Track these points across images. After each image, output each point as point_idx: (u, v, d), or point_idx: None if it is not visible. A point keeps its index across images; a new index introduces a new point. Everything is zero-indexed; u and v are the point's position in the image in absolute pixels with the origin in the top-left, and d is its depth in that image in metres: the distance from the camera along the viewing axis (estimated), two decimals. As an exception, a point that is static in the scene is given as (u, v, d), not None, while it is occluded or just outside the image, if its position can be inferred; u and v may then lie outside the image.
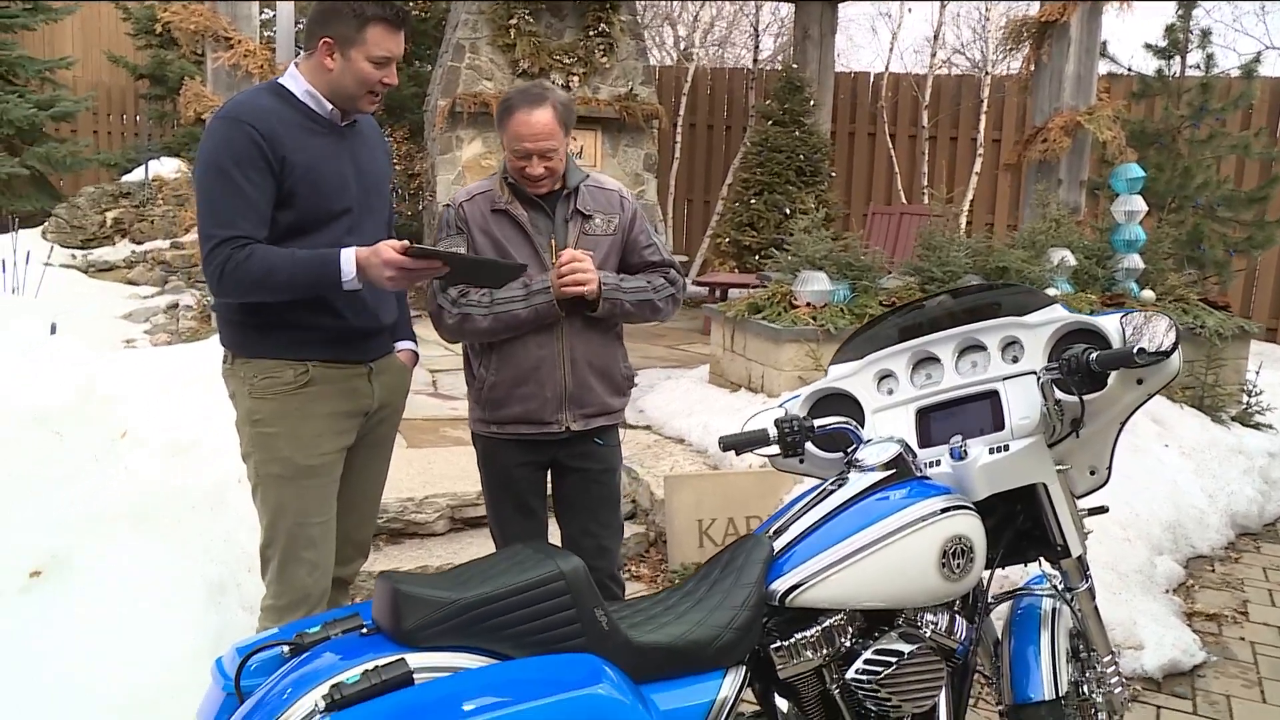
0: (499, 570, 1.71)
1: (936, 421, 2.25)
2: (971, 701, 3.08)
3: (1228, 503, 4.87)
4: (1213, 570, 4.45)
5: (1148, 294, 6.04)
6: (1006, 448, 2.09)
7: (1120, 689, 2.32)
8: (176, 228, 8.85)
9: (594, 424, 2.69)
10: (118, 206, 9.13)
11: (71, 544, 3.12)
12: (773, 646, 1.90)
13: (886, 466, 2.06)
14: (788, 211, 9.40)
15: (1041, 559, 2.29)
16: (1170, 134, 8.32)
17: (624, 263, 2.73)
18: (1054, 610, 2.29)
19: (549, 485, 2.82)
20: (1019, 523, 2.21)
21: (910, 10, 13.37)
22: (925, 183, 11.66)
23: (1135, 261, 6.11)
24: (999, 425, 2.16)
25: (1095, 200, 8.38)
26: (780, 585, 1.91)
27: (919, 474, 2.10)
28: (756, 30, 14.31)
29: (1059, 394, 2.07)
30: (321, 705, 1.47)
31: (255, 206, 2.28)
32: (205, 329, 6.75)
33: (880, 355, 2.37)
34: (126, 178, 9.69)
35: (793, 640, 1.90)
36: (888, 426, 2.28)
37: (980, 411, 2.20)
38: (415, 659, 1.55)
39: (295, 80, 2.40)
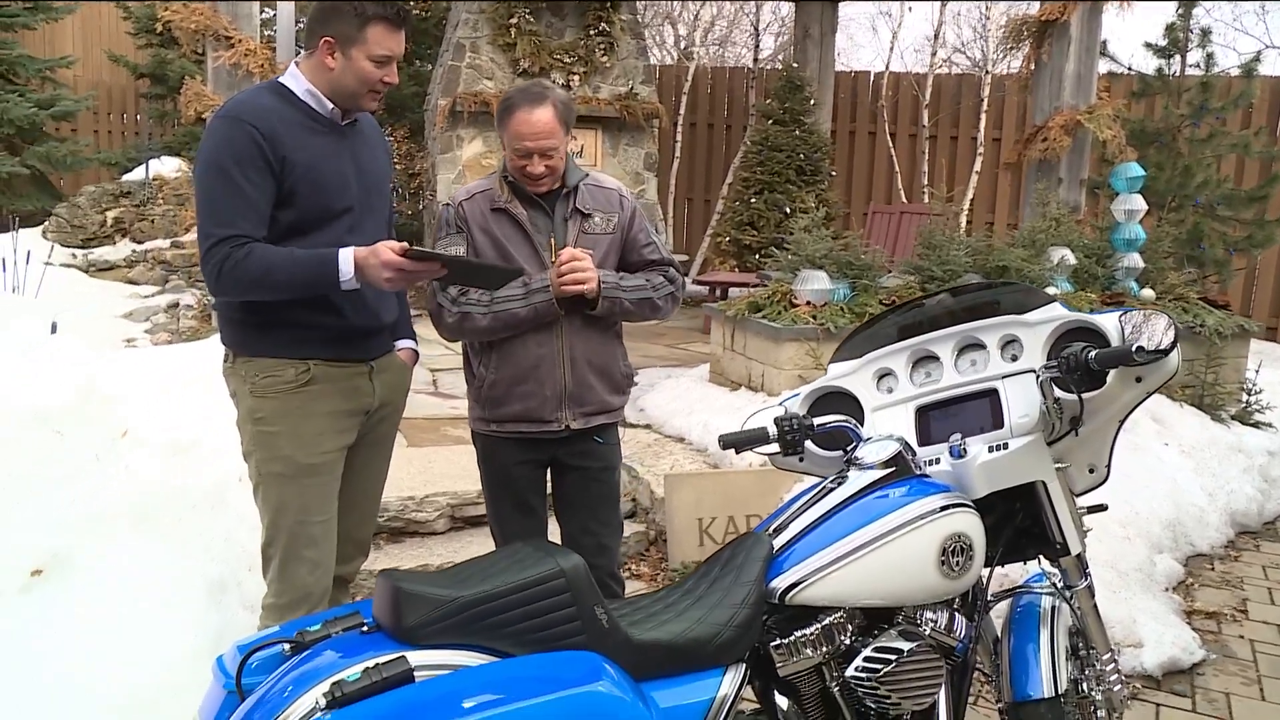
0: (499, 568, 1.71)
1: (936, 420, 2.26)
2: (971, 699, 3.08)
3: (1227, 501, 4.87)
4: (1212, 568, 4.45)
5: (1148, 293, 6.04)
6: (1006, 446, 2.10)
7: (1119, 687, 2.32)
8: (177, 227, 8.85)
9: (593, 422, 2.70)
10: (118, 206, 9.14)
11: (72, 543, 3.12)
12: (772, 644, 1.90)
13: (886, 465, 2.07)
14: (788, 210, 9.40)
15: (1041, 557, 2.29)
16: (1170, 133, 8.32)
17: (623, 261, 2.73)
18: (1053, 608, 2.29)
19: (549, 484, 2.83)
20: (1018, 521, 2.21)
21: (910, 9, 13.38)
22: (925, 182, 11.66)
23: (1135, 260, 6.11)
24: (998, 423, 2.17)
25: (1095, 199, 8.37)
26: (780, 583, 1.91)
27: (918, 472, 2.11)
28: (757, 29, 14.33)
29: (1058, 392, 2.07)
30: (322, 703, 1.47)
31: (255, 206, 2.28)
32: (206, 328, 6.76)
33: (880, 354, 2.38)
34: (127, 177, 9.69)
35: (792, 638, 1.90)
36: (887, 425, 2.29)
37: (979, 410, 2.21)
38: (416, 657, 1.55)
39: (296, 79, 2.40)
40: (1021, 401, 2.15)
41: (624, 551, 4.01)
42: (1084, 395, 2.05)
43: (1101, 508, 2.39)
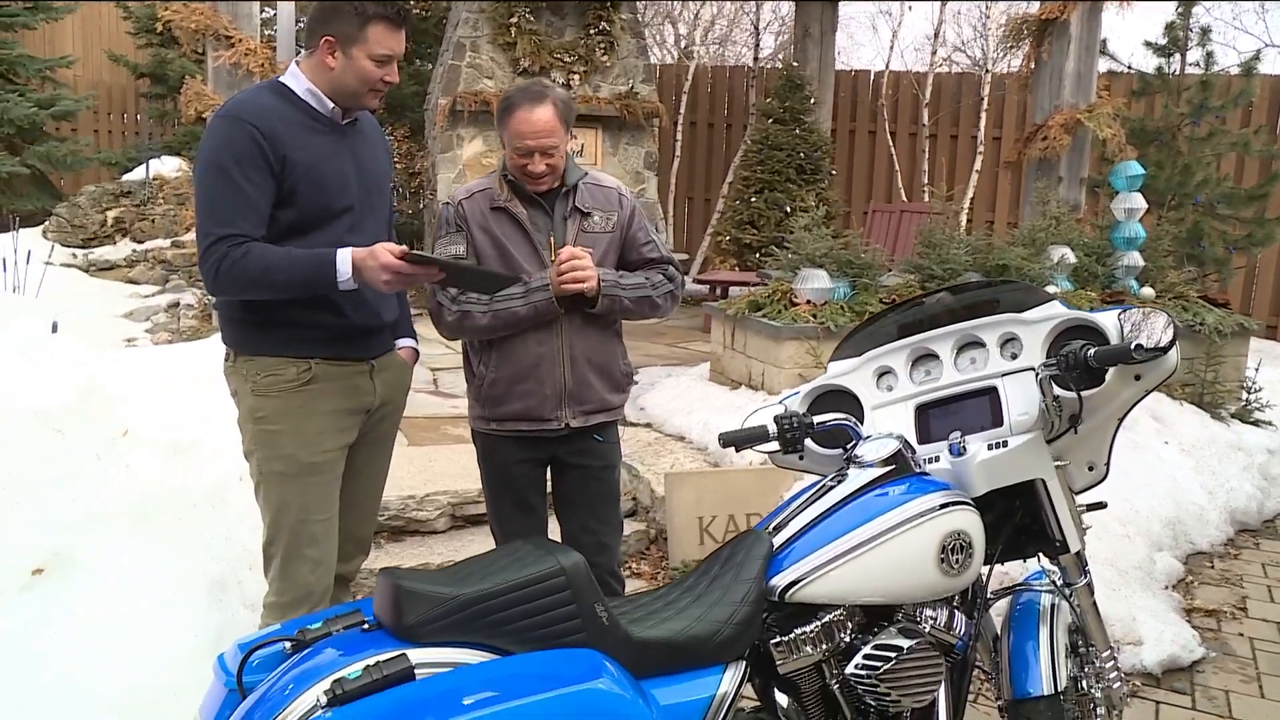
0: (499, 566, 1.72)
1: (935, 418, 2.26)
2: (971, 697, 3.09)
3: (1227, 499, 4.88)
4: (1212, 566, 4.46)
5: (1147, 291, 6.04)
6: (1005, 444, 2.10)
7: (1119, 684, 2.33)
8: (177, 226, 8.85)
9: (593, 421, 2.70)
10: (118, 205, 9.14)
11: (72, 543, 3.12)
12: (772, 642, 1.91)
13: (886, 462, 2.07)
14: (788, 209, 9.39)
15: (1040, 554, 2.30)
16: (1170, 131, 8.32)
17: (623, 260, 2.73)
18: (1053, 606, 2.29)
19: (549, 482, 2.83)
20: (1018, 518, 2.22)
21: (911, 8, 13.36)
22: (925, 180, 11.65)
23: (1135, 259, 6.11)
24: (998, 421, 2.17)
25: (1095, 198, 8.37)
26: (780, 581, 1.91)
27: (918, 470, 2.11)
28: (757, 28, 14.32)
29: (1057, 390, 2.07)
30: (323, 700, 1.48)
31: (254, 206, 2.29)
32: (206, 328, 6.76)
33: (879, 352, 2.38)
34: (127, 177, 9.69)
35: (792, 635, 1.90)
36: (887, 423, 2.29)
37: (979, 408, 2.21)
38: (416, 654, 1.55)
39: (296, 78, 2.40)
40: (1021, 399, 2.16)
41: (624, 550, 4.01)
42: (1083, 393, 2.05)
43: (1101, 505, 2.39)
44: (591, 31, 9.53)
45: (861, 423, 2.28)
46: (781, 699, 1.94)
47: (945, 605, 2.05)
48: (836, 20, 10.75)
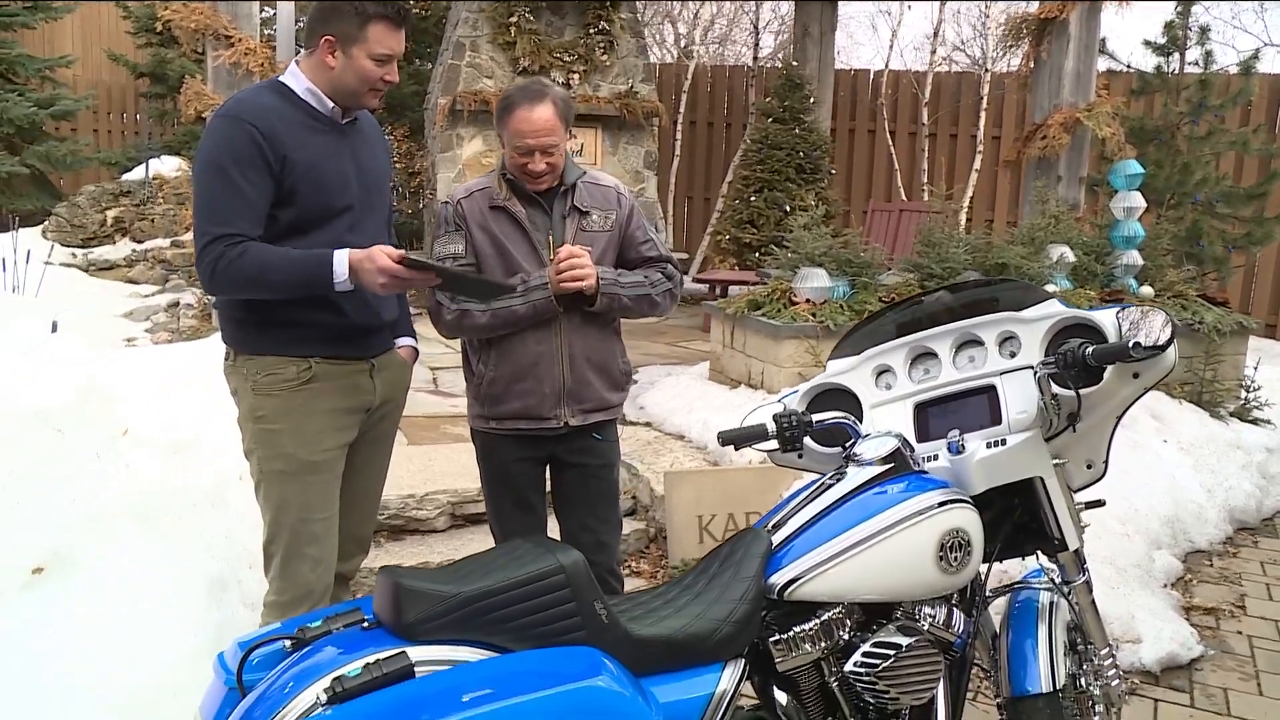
0: (499, 564, 1.72)
1: (934, 416, 2.26)
2: (970, 695, 3.09)
3: (1226, 498, 4.88)
4: (1211, 565, 4.46)
5: (1146, 290, 6.05)
6: (1004, 442, 2.10)
7: (1117, 682, 2.33)
8: (177, 226, 8.86)
9: (592, 419, 2.70)
10: (118, 205, 9.14)
11: (73, 543, 3.12)
12: (771, 639, 1.91)
13: (884, 461, 2.07)
14: (788, 209, 9.40)
15: (1039, 552, 2.30)
16: (1169, 130, 8.32)
17: (621, 258, 2.74)
18: (1051, 603, 2.29)
19: (548, 481, 2.83)
20: (1016, 516, 2.22)
21: (910, 7, 13.35)
22: (925, 180, 11.66)
23: (1134, 258, 6.12)
24: (996, 420, 2.17)
25: (1094, 197, 8.37)
26: (779, 579, 1.92)
27: (917, 468, 2.11)
28: (756, 28, 14.31)
29: (1055, 388, 2.08)
30: (323, 698, 1.48)
31: (252, 205, 2.29)
32: (206, 327, 6.76)
33: (878, 350, 2.38)
34: (127, 176, 9.70)
35: (791, 633, 1.91)
36: (886, 421, 2.29)
37: (977, 406, 2.21)
38: (416, 652, 1.56)
39: (296, 78, 2.41)
40: (1019, 398, 2.16)
41: (624, 549, 4.01)
42: (1081, 391, 2.06)
43: (1099, 503, 2.40)
44: (591, 31, 9.54)
45: (860, 421, 2.28)
46: (780, 697, 1.95)
47: (944, 603, 2.05)
48: (836, 19, 10.75)
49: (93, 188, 9.38)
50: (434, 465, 4.40)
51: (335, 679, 1.49)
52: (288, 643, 1.65)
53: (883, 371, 2.37)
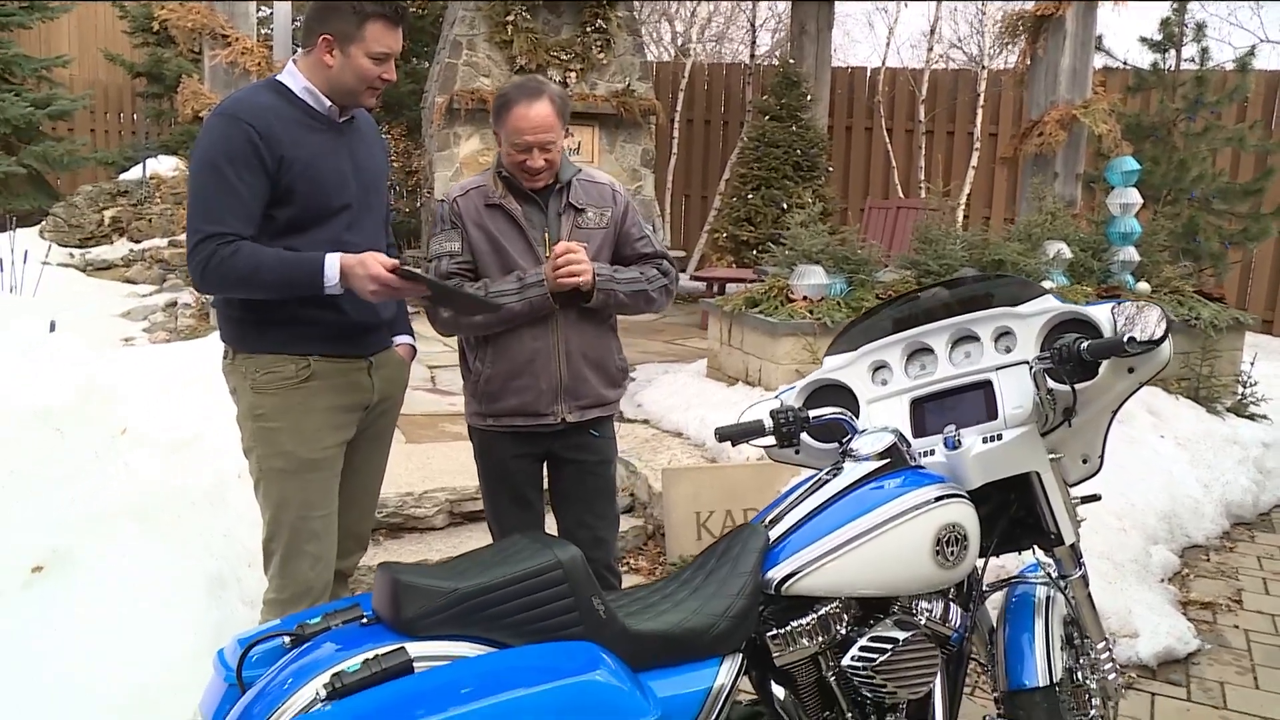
0: (497, 560, 1.73)
1: (930, 412, 2.27)
2: (967, 689, 3.10)
3: (1223, 493, 4.89)
4: (1207, 559, 4.47)
5: (1143, 286, 6.05)
6: (1000, 437, 2.11)
7: (1114, 676, 2.34)
8: (174, 226, 8.85)
9: (589, 415, 2.71)
10: (115, 205, 9.14)
11: (72, 542, 3.12)
12: (769, 634, 1.92)
13: (881, 456, 2.08)
14: (785, 206, 9.41)
15: (1035, 547, 2.31)
16: (1165, 127, 8.33)
17: (617, 255, 2.74)
18: (1048, 598, 2.31)
19: (545, 477, 2.84)
20: (1013, 511, 2.23)
21: (907, 5, 13.37)
22: (922, 177, 11.67)
23: (1131, 254, 6.13)
24: (992, 415, 2.18)
25: (1091, 193, 8.39)
26: (776, 573, 1.93)
27: (913, 463, 2.12)
28: (753, 26, 14.31)
29: (1051, 383, 2.09)
30: (323, 694, 1.49)
31: (246, 205, 2.30)
32: (204, 326, 6.77)
33: (875, 346, 2.39)
34: (124, 176, 9.69)
35: (788, 628, 1.91)
36: (882, 417, 2.30)
37: (974, 401, 2.22)
38: (415, 648, 1.56)
39: (293, 77, 2.41)
40: (1015, 393, 2.17)
41: (622, 546, 4.02)
42: (1077, 386, 2.07)
43: (1095, 498, 2.41)
44: (588, 29, 9.54)
45: (857, 417, 2.29)
46: (778, 691, 1.95)
47: (941, 597, 2.06)
48: (833, 17, 10.76)
49: (90, 187, 9.38)
50: (432, 463, 4.41)
51: (334, 675, 1.50)
52: (287, 639, 1.66)
53: (879, 367, 2.38)
